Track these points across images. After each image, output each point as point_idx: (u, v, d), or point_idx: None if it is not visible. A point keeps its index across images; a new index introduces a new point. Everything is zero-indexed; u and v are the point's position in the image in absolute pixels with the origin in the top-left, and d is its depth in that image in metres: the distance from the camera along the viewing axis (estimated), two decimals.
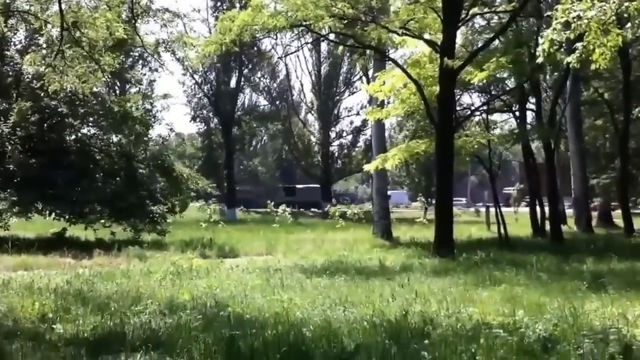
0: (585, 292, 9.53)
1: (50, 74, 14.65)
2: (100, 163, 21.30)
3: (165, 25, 23.61)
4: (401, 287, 10.22)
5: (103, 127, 22.47)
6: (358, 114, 56.32)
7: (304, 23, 17.78)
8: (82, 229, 20.22)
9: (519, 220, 30.24)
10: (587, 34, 10.17)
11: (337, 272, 12.09)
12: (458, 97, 24.67)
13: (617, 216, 32.83)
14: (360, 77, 51.26)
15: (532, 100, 27.48)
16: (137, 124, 22.46)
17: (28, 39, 24.48)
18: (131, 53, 38.78)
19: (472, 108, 25.11)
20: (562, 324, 6.97)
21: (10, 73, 21.68)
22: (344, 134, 58.14)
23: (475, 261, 14.16)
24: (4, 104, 20.45)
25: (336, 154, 57.83)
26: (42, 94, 19.47)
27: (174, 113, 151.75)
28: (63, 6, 13.53)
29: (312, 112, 59.55)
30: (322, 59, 56.39)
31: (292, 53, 59.12)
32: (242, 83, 53.62)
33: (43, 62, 16.17)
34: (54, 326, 7.18)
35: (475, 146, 21.65)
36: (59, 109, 20.58)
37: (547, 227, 23.93)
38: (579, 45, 10.40)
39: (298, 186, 64.50)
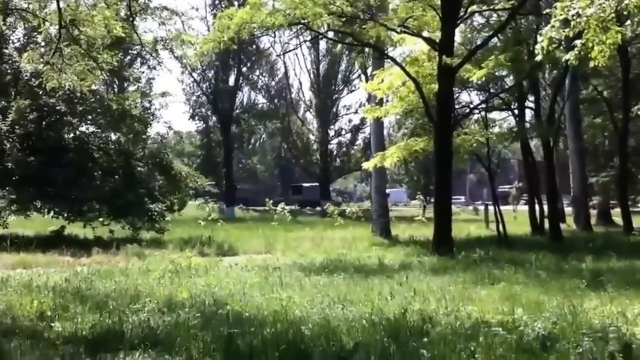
0: (584, 291, 9.52)
1: (49, 71, 14.64)
2: (99, 161, 21.30)
3: (163, 23, 23.70)
4: (400, 285, 10.20)
5: (101, 125, 22.44)
6: (357, 112, 56.47)
7: (302, 21, 17.75)
8: (80, 227, 20.21)
9: (517, 219, 30.27)
10: (586, 31, 10.13)
11: (336, 271, 12.10)
12: (457, 95, 24.69)
13: (616, 214, 32.84)
14: (359, 75, 51.43)
15: (531, 98, 27.52)
16: (135, 122, 22.46)
17: (26, 36, 24.51)
18: (129, 51, 38.78)
19: (471, 106, 25.14)
20: (561, 323, 6.96)
21: (9, 71, 21.63)
22: (343, 132, 58.30)
23: (474, 259, 14.14)
24: (3, 102, 20.46)
25: (335, 152, 57.87)
26: (40, 92, 19.45)
27: (173, 111, 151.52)
28: (61, 4, 13.51)
29: (311, 110, 59.59)
30: (320, 57, 56.43)
31: (290, 51, 59.19)
32: (240, 81, 53.67)
33: (41, 59, 16.18)
34: (52, 324, 7.18)
35: (474, 144, 21.66)
36: (58, 107, 20.56)
37: (546, 225, 23.93)
38: (577, 42, 10.37)
39: (304, 185, 64.69)
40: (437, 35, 18.15)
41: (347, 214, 31.32)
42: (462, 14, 18.37)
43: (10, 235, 17.38)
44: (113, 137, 22.81)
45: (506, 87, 26.05)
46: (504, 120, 32.45)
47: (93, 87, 19.09)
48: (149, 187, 21.22)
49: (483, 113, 24.17)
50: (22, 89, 20.93)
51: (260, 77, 58.84)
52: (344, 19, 18.38)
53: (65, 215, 19.63)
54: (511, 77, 25.48)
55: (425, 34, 18.91)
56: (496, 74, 22.43)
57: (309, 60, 59.64)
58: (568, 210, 34.67)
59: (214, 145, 57.59)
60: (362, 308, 8.10)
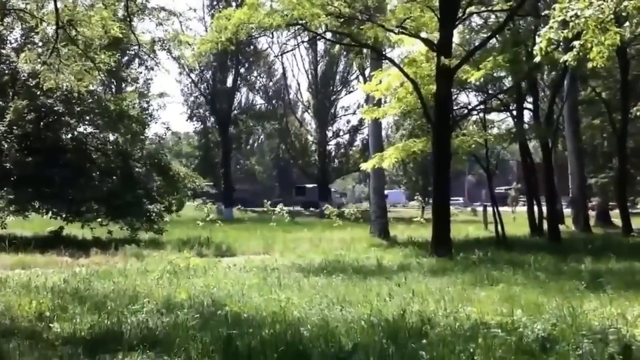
0: (583, 292, 9.50)
1: (46, 72, 14.59)
2: (97, 161, 21.28)
3: (161, 24, 23.65)
4: (399, 286, 10.18)
5: (99, 126, 22.43)
6: (355, 113, 56.43)
7: (300, 21, 17.75)
8: (79, 228, 20.21)
9: (516, 220, 30.28)
10: (584, 32, 10.14)
11: (335, 272, 12.08)
12: (455, 96, 24.66)
13: (615, 216, 32.84)
14: (357, 76, 51.47)
15: (530, 99, 27.51)
16: (133, 123, 22.43)
17: (24, 37, 24.46)
18: (127, 51, 38.71)
19: (469, 107, 25.11)
20: (560, 324, 6.95)
21: (6, 71, 21.60)
22: (341, 133, 58.27)
23: (472, 261, 14.14)
24: (0, 103, 20.41)
25: (333, 153, 57.86)
26: (38, 93, 19.45)
27: (171, 112, 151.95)
28: (58, 4, 13.48)
29: (309, 111, 59.56)
30: (318, 58, 56.42)
31: (288, 52, 59.00)
32: (238, 82, 53.70)
33: (39, 60, 16.11)
34: (51, 325, 7.16)
35: (473, 145, 21.64)
36: (55, 108, 20.53)
37: (545, 226, 23.93)
38: (576, 43, 10.37)
39: (307, 186, 64.78)
40: (435, 36, 18.14)
41: (345, 215, 31.29)
42: (460, 15, 18.37)
43: (8, 235, 17.38)
44: (111, 137, 22.82)
45: (505, 88, 26.06)
46: (502, 121, 32.56)
47: (91, 87, 19.04)
48: (147, 188, 21.21)
49: (481, 114, 24.16)
50: (20, 89, 20.90)
51: (258, 77, 58.94)
52: (342, 19, 18.38)
53: (64, 215, 19.62)
54: (509, 78, 25.50)
55: (423, 34, 18.91)
56: (494, 75, 22.47)
57: (307, 61, 59.79)
58: (567, 211, 34.72)
59: (212, 146, 57.61)
60: (361, 309, 8.08)
